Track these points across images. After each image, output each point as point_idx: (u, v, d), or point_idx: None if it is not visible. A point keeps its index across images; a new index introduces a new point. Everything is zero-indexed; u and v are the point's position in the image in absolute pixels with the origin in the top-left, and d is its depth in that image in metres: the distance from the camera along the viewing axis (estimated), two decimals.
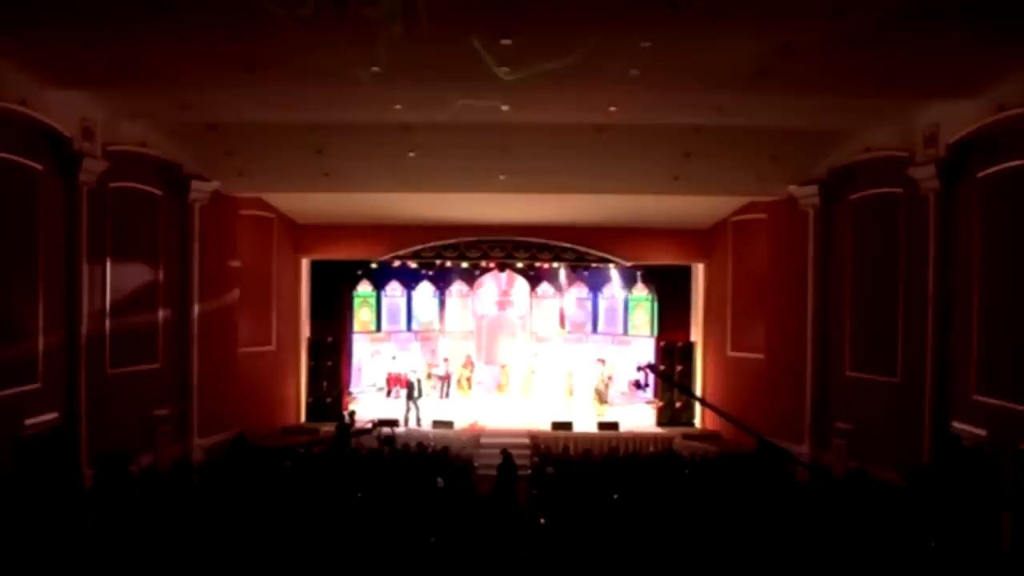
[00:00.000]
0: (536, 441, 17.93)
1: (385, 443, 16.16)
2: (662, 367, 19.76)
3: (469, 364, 22.03)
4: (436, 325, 23.32)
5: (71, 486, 12.33)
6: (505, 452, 15.23)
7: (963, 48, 10.14)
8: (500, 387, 22.00)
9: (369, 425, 17.68)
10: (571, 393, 20.83)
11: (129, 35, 9.92)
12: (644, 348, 21.36)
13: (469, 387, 21.74)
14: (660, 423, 19.57)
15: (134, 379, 14.51)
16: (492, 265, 21.31)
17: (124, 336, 14.24)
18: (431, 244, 19.75)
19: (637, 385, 17.19)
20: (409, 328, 23.04)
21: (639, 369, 15.90)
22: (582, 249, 19.85)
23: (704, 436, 18.81)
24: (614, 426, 18.75)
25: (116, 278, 14.06)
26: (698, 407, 19.67)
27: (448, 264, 20.88)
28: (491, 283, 23.44)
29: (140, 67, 11.10)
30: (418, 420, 19.12)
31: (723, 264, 19.18)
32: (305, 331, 20.13)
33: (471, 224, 19.32)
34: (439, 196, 17.30)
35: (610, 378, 20.63)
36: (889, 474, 13.35)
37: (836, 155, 15.19)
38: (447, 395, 21.75)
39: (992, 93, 11.37)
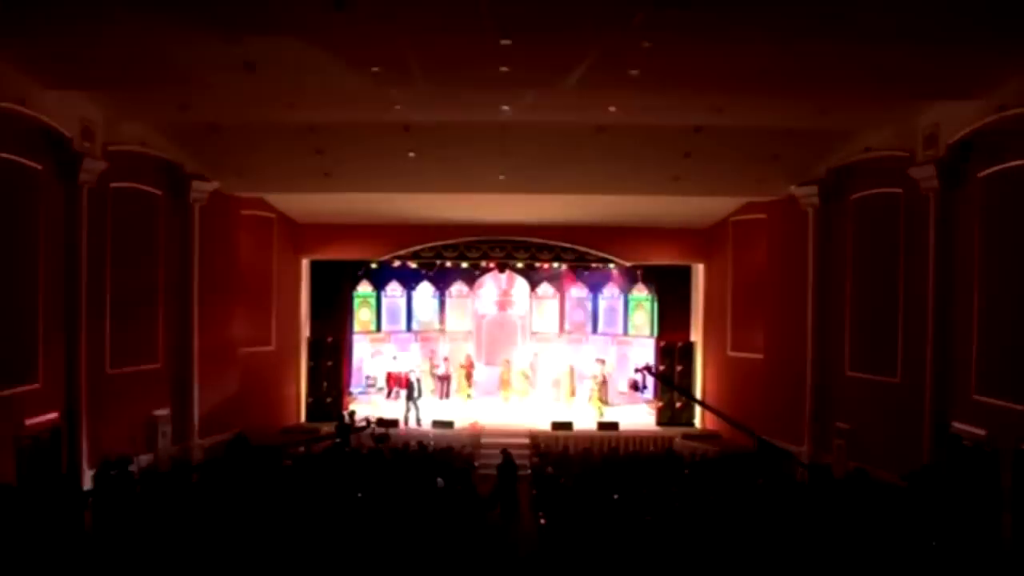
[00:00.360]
0: (536, 441, 17.94)
1: (379, 440, 16.15)
2: (661, 368, 19.75)
3: (469, 364, 22.03)
4: (436, 325, 23.31)
5: (71, 486, 12.33)
6: (505, 452, 15.24)
7: (963, 48, 10.14)
8: (501, 387, 22.00)
9: (364, 423, 17.67)
10: (572, 393, 20.85)
11: (129, 34, 9.92)
12: (644, 348, 21.34)
13: (469, 387, 21.74)
14: (660, 423, 19.57)
15: (134, 379, 14.51)
16: (492, 265, 21.29)
17: (124, 336, 14.24)
18: (431, 244, 19.77)
19: (635, 386, 17.18)
20: (409, 328, 23.04)
21: (637, 371, 15.91)
22: (582, 249, 19.86)
23: (704, 436, 18.80)
24: (614, 426, 18.76)
25: (116, 278, 14.05)
26: (698, 407, 19.67)
27: (448, 264, 20.86)
28: (491, 283, 23.44)
29: (140, 67, 11.10)
30: (418, 420, 19.13)
31: (723, 264, 19.18)
32: (305, 331, 20.14)
33: (471, 224, 19.33)
34: (439, 196, 17.30)
35: (606, 380, 20.62)
36: (889, 474, 13.36)
37: (836, 155, 15.19)
38: (447, 395, 21.74)
39: (992, 93, 11.37)
